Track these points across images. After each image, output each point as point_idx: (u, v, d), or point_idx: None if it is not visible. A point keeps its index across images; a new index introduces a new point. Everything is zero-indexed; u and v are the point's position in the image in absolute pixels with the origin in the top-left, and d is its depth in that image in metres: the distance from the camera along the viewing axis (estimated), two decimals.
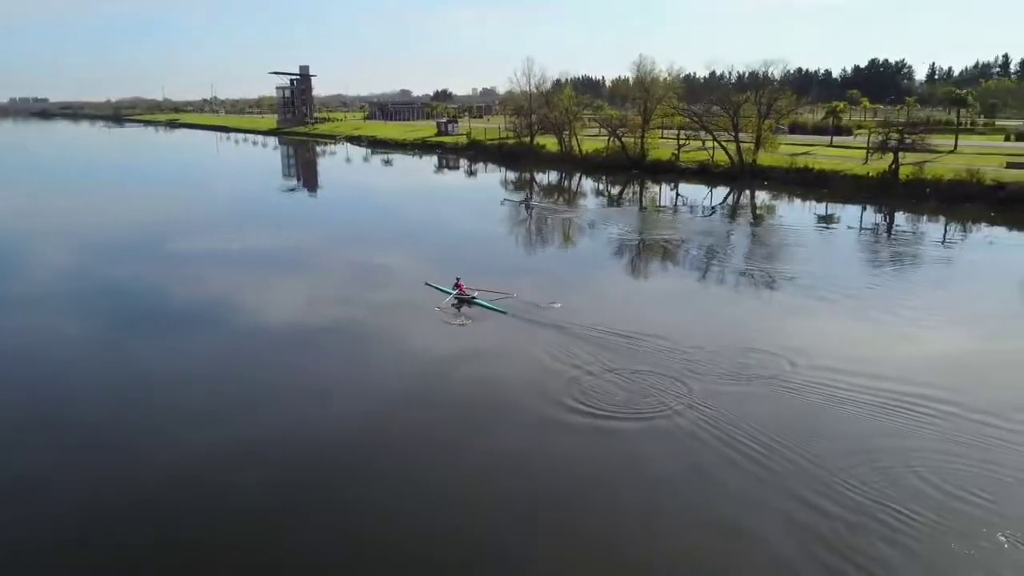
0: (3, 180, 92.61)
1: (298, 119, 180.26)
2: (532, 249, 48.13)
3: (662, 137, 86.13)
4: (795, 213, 58.12)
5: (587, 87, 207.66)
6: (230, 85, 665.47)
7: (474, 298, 30.65)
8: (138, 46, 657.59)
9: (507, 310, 29.63)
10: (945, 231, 49.93)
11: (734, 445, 18.53)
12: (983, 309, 30.66)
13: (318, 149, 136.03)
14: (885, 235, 48.82)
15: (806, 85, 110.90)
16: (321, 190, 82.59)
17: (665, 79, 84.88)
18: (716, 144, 75.94)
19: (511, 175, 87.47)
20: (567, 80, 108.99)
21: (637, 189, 74.09)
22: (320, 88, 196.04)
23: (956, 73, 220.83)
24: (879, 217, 55.05)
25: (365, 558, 15.10)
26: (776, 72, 78.17)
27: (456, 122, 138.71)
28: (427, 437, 20.01)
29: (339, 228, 54.02)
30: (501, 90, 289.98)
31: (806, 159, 70.27)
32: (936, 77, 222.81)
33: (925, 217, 53.66)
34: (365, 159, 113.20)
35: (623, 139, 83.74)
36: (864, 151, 68.48)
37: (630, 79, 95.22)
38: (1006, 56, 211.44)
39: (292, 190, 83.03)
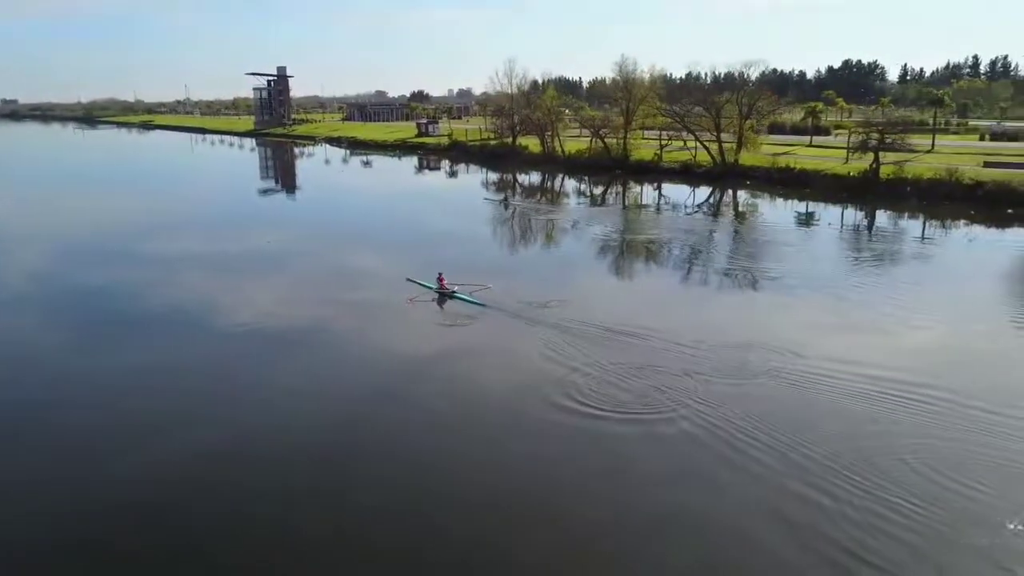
0: None
1: (276, 120, 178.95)
2: (513, 247, 48.52)
3: (644, 138, 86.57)
4: (778, 212, 58.84)
5: (565, 88, 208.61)
6: (204, 86, 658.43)
7: (454, 292, 31.51)
8: (109, 47, 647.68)
9: (485, 303, 30.59)
10: (925, 229, 50.74)
11: (721, 435, 19.03)
12: (967, 304, 31.42)
13: (297, 151, 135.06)
14: (868, 234, 49.48)
15: (783, 86, 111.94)
16: (303, 192, 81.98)
17: (647, 80, 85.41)
18: (698, 144, 76.64)
19: (494, 176, 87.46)
20: (547, 81, 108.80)
21: (620, 189, 74.55)
22: (295, 89, 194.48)
23: (928, 74, 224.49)
24: (861, 216, 55.91)
25: (355, 557, 15.17)
26: (754, 73, 79.01)
27: (437, 123, 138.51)
28: (404, 433, 20.30)
29: (325, 229, 53.63)
30: (477, 91, 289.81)
31: (787, 159, 71.17)
32: (908, 78, 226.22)
33: (906, 215, 54.59)
34: (345, 160, 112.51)
35: (605, 140, 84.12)
36: (844, 151, 69.58)
37: (607, 80, 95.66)
38: (976, 57, 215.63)
39: (271, 192, 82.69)
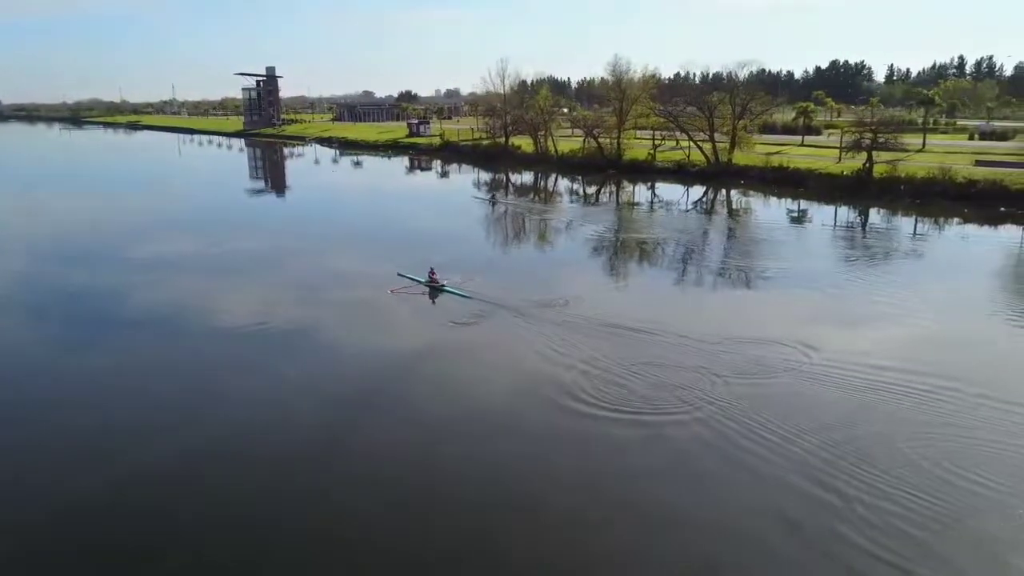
0: None
1: (265, 121, 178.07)
2: (508, 246, 48.72)
3: (637, 137, 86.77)
4: (773, 211, 59.17)
5: (554, 88, 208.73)
6: (190, 86, 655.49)
7: (443, 286, 32.78)
8: (94, 47, 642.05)
9: (471, 295, 31.67)
10: (921, 227, 51.23)
11: (733, 429, 19.07)
12: (967, 300, 31.88)
13: (289, 151, 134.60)
14: (864, 232, 49.82)
15: (773, 86, 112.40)
16: (295, 193, 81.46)
17: (641, 80, 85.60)
18: (692, 144, 76.94)
19: (488, 176, 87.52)
20: (537, 81, 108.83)
21: (614, 188, 74.67)
22: (283, 90, 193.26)
23: (914, 74, 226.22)
24: (856, 215, 56.26)
25: (354, 557, 15.12)
26: (743, 73, 79.42)
27: (428, 123, 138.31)
28: (405, 431, 20.26)
29: (318, 230, 53.08)
30: (465, 91, 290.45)
31: (780, 159, 71.47)
32: (895, 78, 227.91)
33: (900, 214, 54.98)
34: (336, 161, 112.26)
35: (599, 139, 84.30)
36: (837, 150, 70.00)
37: (596, 80, 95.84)
38: (961, 58, 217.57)
39: (262, 192, 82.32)
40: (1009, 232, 48.69)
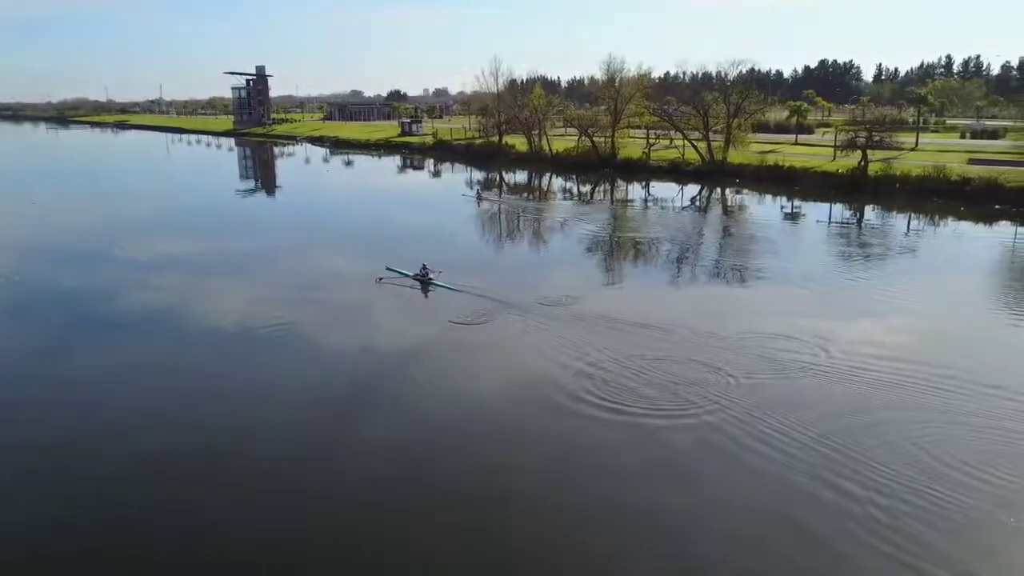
0: None
1: (255, 120, 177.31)
2: (502, 244, 48.65)
3: (631, 136, 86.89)
4: (768, 210, 59.40)
5: (544, 87, 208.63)
6: (177, 86, 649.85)
7: (432, 279, 33.45)
8: (78, 46, 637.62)
9: (461, 288, 32.28)
10: (917, 225, 51.64)
11: (745, 425, 19.00)
12: (966, 298, 32.01)
13: (280, 151, 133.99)
14: (860, 230, 50.08)
15: (765, 85, 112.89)
16: (287, 193, 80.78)
17: (635, 78, 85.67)
18: (686, 143, 77.11)
19: (482, 175, 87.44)
20: (530, 80, 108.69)
21: (608, 187, 75.00)
22: (271, 89, 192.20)
23: (902, 74, 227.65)
24: (851, 212, 56.52)
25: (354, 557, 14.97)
26: (736, 72, 79.71)
27: (420, 122, 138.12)
28: (406, 429, 20.05)
29: (310, 230, 52.09)
30: (453, 90, 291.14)
31: (775, 157, 71.72)
32: (883, 77, 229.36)
33: (895, 212, 55.26)
34: (327, 160, 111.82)
35: (593, 138, 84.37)
36: (830, 149, 70.38)
37: (588, 79, 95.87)
38: (949, 57, 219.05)
39: (253, 192, 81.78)
40: (1004, 230, 49.00)
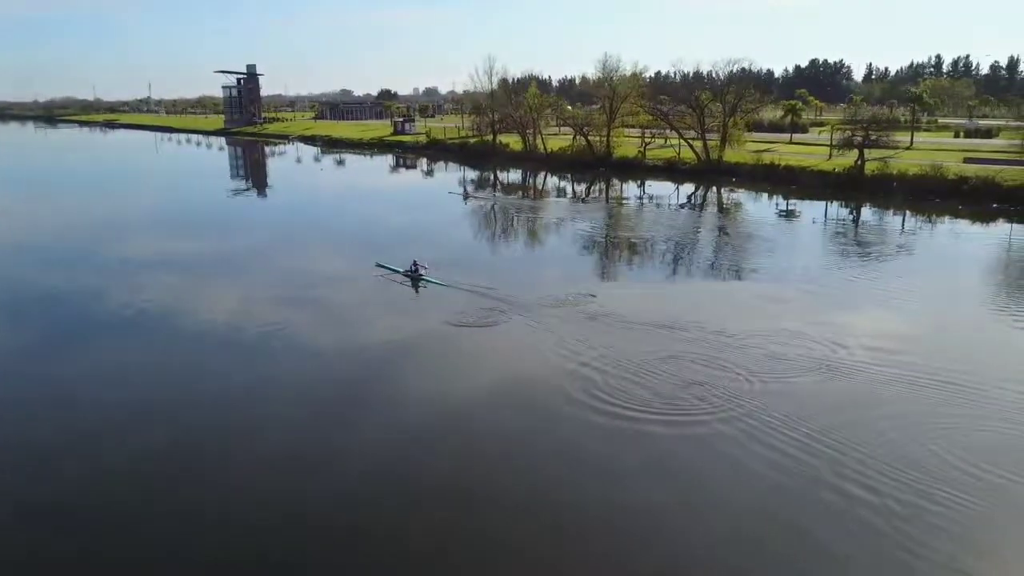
0: None
1: (246, 119, 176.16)
2: (497, 243, 48.65)
3: (626, 135, 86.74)
4: (764, 208, 59.32)
5: (536, 86, 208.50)
6: (166, 85, 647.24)
7: (422, 275, 33.49)
8: (66, 45, 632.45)
9: (451, 284, 32.47)
10: (916, 224, 51.68)
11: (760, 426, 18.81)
12: (967, 296, 31.96)
13: (270, 150, 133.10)
14: (858, 229, 50.01)
15: (760, 83, 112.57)
16: (280, 193, 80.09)
17: (630, 77, 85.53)
18: (682, 141, 77.03)
19: (476, 174, 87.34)
20: (526, 78, 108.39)
21: (603, 186, 74.96)
22: (262, 88, 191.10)
23: (892, 73, 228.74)
24: (848, 211, 56.55)
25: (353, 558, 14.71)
26: (728, 71, 79.70)
27: (413, 121, 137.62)
28: (404, 428, 19.83)
29: (304, 228, 51.87)
30: (443, 90, 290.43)
31: (772, 156, 71.69)
32: (873, 77, 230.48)
33: (893, 211, 55.28)
34: (318, 160, 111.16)
35: (588, 137, 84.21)
36: (826, 148, 70.53)
37: (578, 79, 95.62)
38: (938, 57, 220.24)
39: (245, 191, 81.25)
40: (1003, 228, 49.05)
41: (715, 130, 75.15)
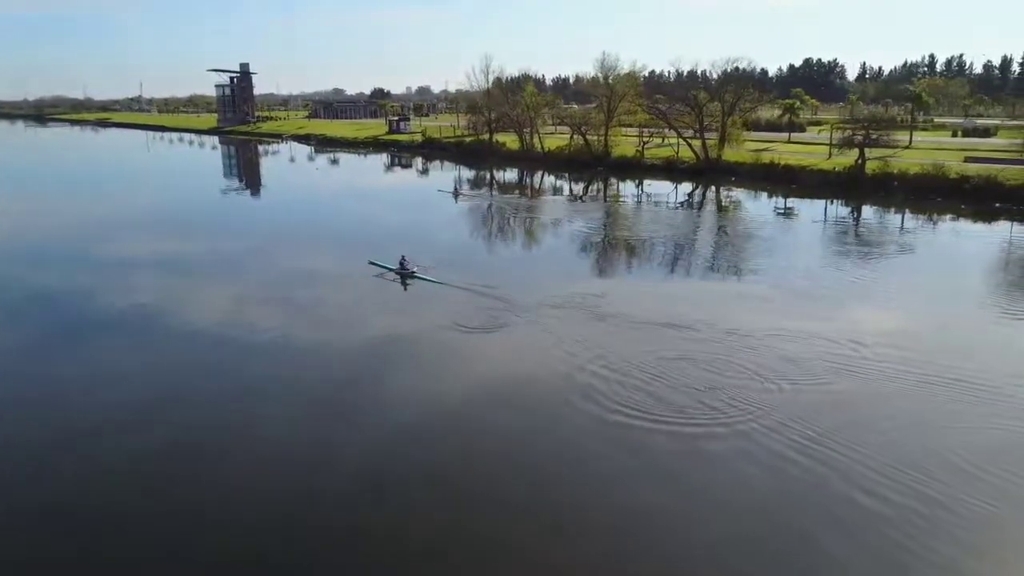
0: None
1: (239, 118, 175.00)
2: (494, 242, 48.27)
3: (624, 135, 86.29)
4: (764, 207, 58.94)
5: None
6: (157, 83, 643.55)
7: (414, 272, 33.36)
8: (56, 43, 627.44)
9: (444, 282, 32.22)
10: (915, 223, 51.32)
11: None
12: (970, 295, 31.58)
13: (264, 149, 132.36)
14: (859, 228, 49.70)
15: (758, 82, 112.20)
16: (277, 193, 79.05)
17: (628, 76, 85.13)
18: (680, 141, 76.64)
19: (472, 173, 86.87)
20: (522, 77, 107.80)
21: (601, 185, 74.59)
22: (254, 87, 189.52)
23: (886, 72, 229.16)
24: (849, 211, 56.28)
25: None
26: (726, 70, 79.50)
27: (408, 120, 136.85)
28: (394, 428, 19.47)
29: (300, 229, 50.87)
30: (436, 88, 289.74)
31: (771, 155, 71.31)
32: (867, 76, 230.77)
33: (894, 210, 54.95)
34: (313, 159, 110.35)
35: (587, 136, 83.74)
36: (824, 147, 70.28)
37: (571, 78, 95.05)
38: (932, 56, 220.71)
39: (241, 191, 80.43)
40: (1005, 227, 48.76)
41: (713, 129, 74.76)
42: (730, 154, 73.22)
